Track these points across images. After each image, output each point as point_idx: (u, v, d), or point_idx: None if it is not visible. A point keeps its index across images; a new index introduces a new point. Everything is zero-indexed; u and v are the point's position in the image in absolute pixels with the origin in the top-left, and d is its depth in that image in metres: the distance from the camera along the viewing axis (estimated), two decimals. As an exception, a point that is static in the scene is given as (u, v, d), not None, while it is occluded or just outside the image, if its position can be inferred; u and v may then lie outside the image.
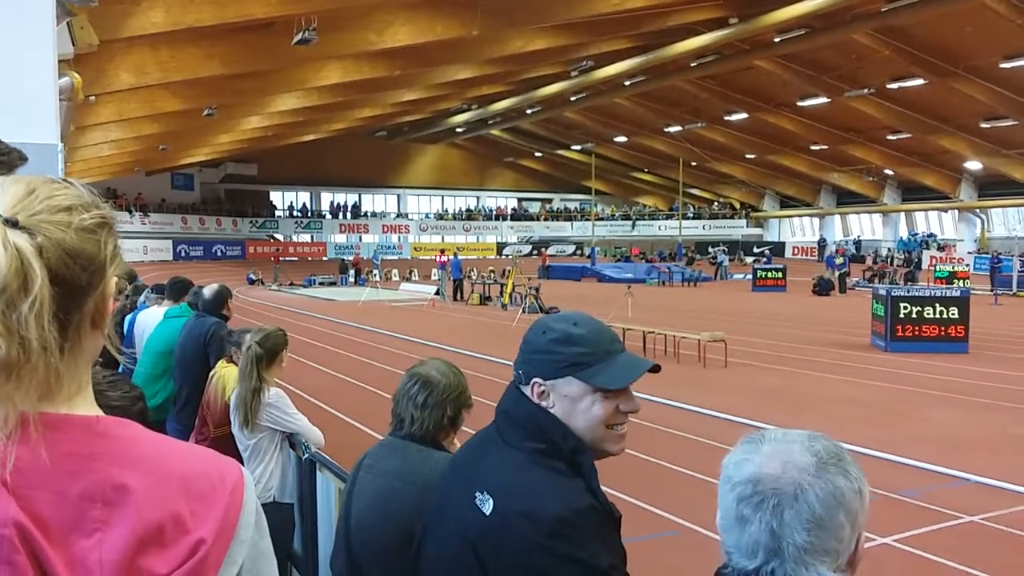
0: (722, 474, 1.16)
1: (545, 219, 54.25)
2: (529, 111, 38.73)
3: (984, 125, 30.01)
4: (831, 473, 1.10)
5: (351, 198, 50.68)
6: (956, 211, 38.76)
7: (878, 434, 7.81)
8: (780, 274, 29.85)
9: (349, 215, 50.04)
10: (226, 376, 3.96)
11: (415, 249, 48.82)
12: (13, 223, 0.74)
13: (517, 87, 34.64)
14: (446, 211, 53.68)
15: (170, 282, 5.81)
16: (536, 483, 1.40)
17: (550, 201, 56.26)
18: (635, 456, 6.98)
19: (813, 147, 38.41)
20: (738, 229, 49.12)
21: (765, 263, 33.18)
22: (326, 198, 50.15)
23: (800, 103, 32.09)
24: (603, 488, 1.43)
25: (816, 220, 46.94)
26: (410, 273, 38.51)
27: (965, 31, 23.58)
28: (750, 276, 31.29)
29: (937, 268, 30.12)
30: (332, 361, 13.04)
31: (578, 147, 47.18)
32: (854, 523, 1.11)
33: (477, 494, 1.43)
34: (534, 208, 56.10)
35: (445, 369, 2.23)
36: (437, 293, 26.50)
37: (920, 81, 27.15)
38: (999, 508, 5.75)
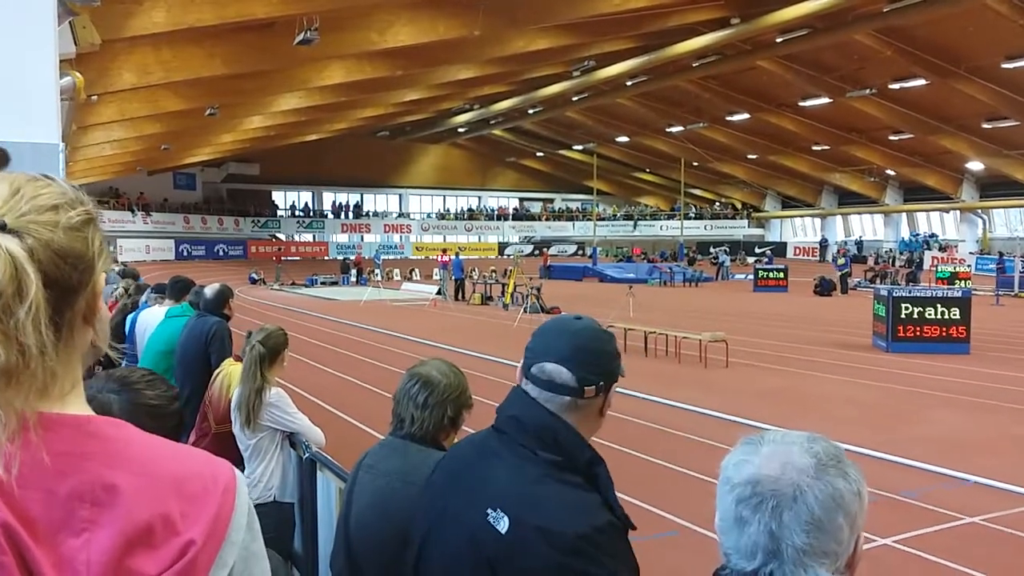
0: (721, 475, 1.16)
1: (547, 219, 54.22)
2: (531, 111, 38.69)
3: (986, 126, 29.97)
4: (830, 475, 1.10)
5: (353, 198, 50.68)
6: (958, 212, 38.72)
7: (879, 435, 7.80)
8: (781, 274, 29.82)
9: (351, 215, 50.04)
10: (232, 374, 3.96)
11: (417, 249, 48.83)
12: (1, 226, 0.73)
13: (519, 87, 34.61)
14: (448, 211, 53.67)
15: (171, 281, 5.81)
16: (553, 499, 1.38)
17: (552, 201, 56.22)
18: (635, 456, 6.99)
19: (815, 147, 38.35)
20: (740, 229, 49.11)
21: (767, 263, 33.15)
22: (328, 198, 50.15)
23: (802, 103, 32.04)
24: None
25: (818, 220, 46.92)
26: (411, 273, 38.53)
27: (967, 32, 23.54)
28: (751, 276, 31.26)
29: (939, 269, 30.10)
30: (333, 361, 13.04)
31: (580, 147, 47.14)
32: (853, 525, 1.10)
33: (490, 511, 1.40)
34: (536, 208, 56.08)
35: (446, 369, 2.23)
36: (439, 293, 26.49)
37: (922, 81, 27.11)
38: (1000, 509, 5.74)
